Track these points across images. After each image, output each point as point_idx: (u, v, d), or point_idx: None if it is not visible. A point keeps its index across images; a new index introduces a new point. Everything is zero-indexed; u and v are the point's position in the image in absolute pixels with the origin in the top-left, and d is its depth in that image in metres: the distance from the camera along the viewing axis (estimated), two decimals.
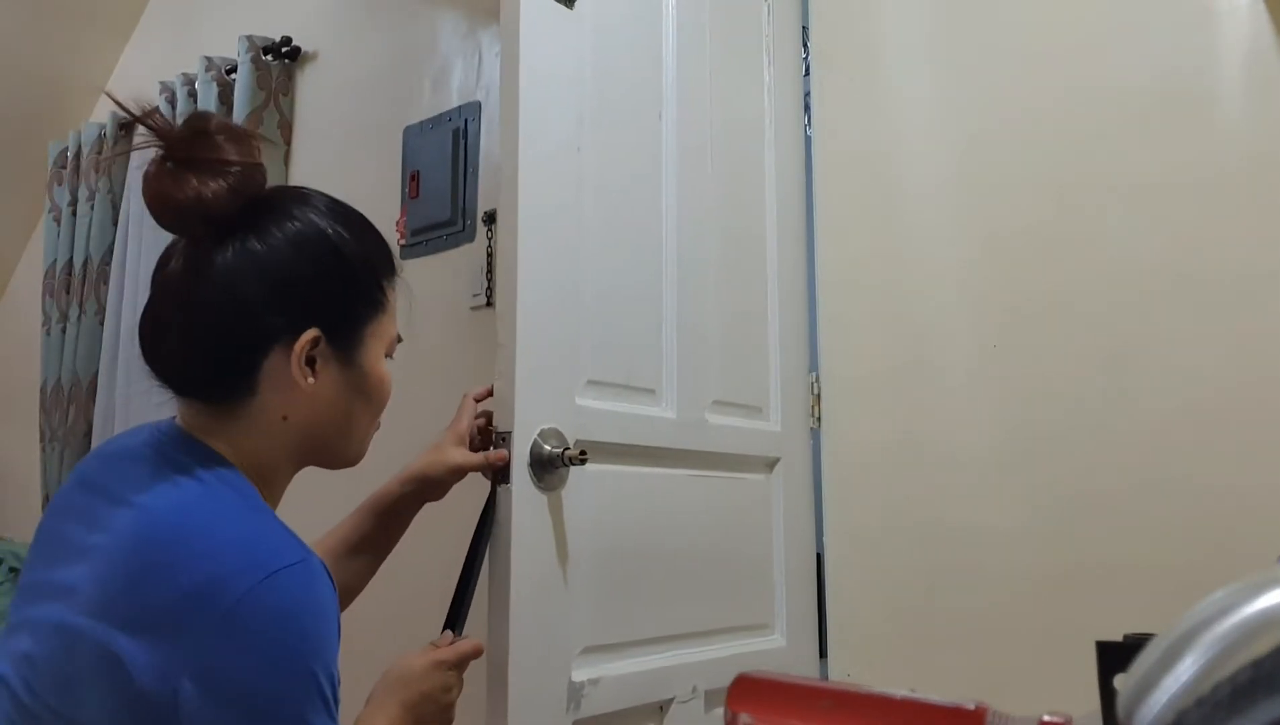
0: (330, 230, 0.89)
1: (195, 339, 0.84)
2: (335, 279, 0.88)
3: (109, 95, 0.94)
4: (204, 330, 0.84)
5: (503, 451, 1.18)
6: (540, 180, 1.28)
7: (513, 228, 1.25)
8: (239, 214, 0.84)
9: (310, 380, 0.86)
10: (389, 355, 0.95)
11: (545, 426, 1.24)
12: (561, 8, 1.34)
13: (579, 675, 1.26)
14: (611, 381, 1.39)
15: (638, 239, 1.47)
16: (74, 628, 0.75)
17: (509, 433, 1.20)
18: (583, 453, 1.23)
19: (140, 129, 0.81)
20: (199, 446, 0.84)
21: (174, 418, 0.88)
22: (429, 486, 1.15)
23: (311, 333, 0.85)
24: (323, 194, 0.92)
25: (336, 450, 0.93)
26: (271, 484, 0.89)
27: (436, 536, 1.26)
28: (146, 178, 0.82)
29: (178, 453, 0.84)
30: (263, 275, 0.84)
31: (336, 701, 0.77)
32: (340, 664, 0.78)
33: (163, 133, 0.81)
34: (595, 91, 1.40)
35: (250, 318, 0.84)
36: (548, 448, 1.23)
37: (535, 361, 1.24)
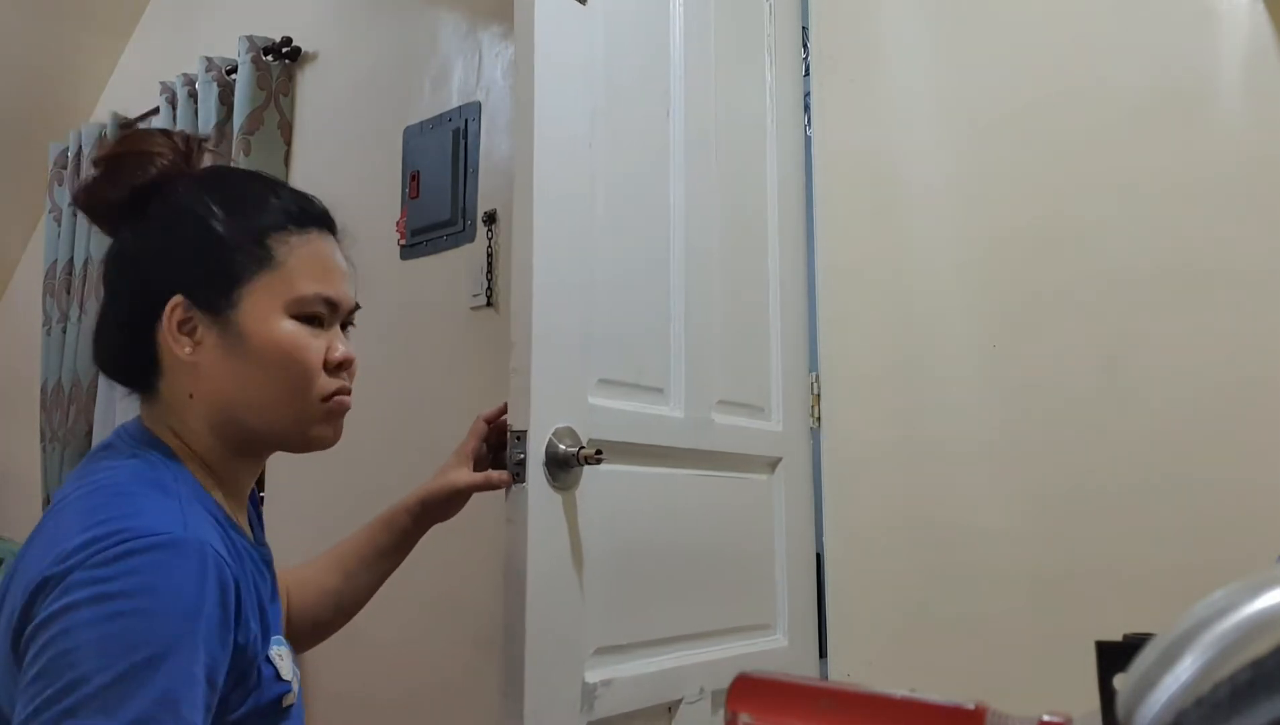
0: (189, 197, 0.88)
1: (103, 327, 0.90)
2: (191, 243, 0.87)
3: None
4: (106, 317, 0.90)
5: (504, 473, 1.16)
6: (554, 175, 1.26)
7: (527, 223, 1.22)
8: (126, 205, 0.88)
9: (188, 349, 0.85)
10: (317, 318, 0.88)
11: (560, 425, 1.22)
12: (574, 2, 1.32)
13: (592, 677, 1.25)
14: (622, 380, 1.37)
15: (646, 236, 1.46)
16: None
17: (524, 432, 1.17)
18: (598, 452, 1.21)
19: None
20: (145, 435, 0.86)
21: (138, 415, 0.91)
22: (435, 509, 1.15)
23: (175, 299, 0.85)
24: (218, 167, 0.95)
25: (255, 425, 0.87)
26: (220, 473, 0.88)
27: (446, 540, 1.26)
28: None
29: (126, 443, 0.86)
30: (132, 255, 0.88)
31: (213, 688, 0.73)
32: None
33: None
34: (606, 87, 1.38)
35: (130, 298, 0.88)
36: (562, 447, 1.20)
37: (549, 359, 1.22)
